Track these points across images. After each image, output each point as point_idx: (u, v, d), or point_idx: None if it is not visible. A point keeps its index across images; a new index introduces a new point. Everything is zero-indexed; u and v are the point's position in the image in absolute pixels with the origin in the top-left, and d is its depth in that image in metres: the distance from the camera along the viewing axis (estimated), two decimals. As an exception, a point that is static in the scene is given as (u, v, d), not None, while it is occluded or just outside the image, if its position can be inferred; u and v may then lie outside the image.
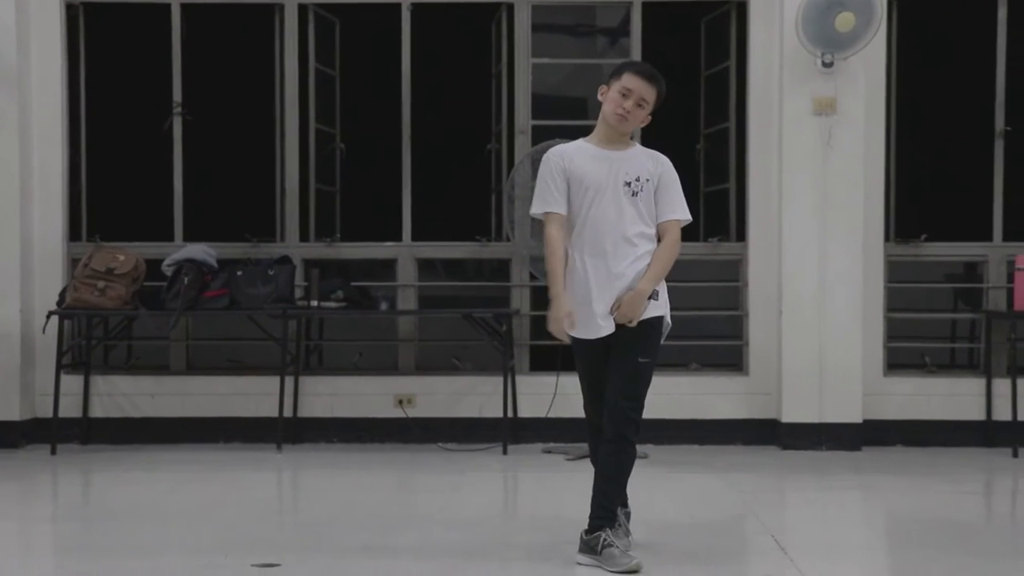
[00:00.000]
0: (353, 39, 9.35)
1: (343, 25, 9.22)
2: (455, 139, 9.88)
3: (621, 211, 4.96)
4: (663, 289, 5.06)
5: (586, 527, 5.03)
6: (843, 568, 5.18)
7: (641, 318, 4.94)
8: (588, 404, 5.19)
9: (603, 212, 4.96)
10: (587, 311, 4.96)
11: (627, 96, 4.95)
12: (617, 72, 5.04)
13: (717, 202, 8.96)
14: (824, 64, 7.95)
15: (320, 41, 8.95)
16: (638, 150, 5.10)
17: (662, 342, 5.10)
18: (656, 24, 8.68)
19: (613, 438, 4.97)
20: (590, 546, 4.96)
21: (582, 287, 4.97)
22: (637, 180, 4.98)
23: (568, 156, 5.04)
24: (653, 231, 5.03)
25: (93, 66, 8.81)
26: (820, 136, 8.07)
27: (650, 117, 5.07)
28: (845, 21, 7.81)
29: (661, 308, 5.04)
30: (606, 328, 4.96)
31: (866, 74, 8.11)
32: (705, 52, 9.19)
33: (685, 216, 5.11)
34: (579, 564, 4.96)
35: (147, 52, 8.89)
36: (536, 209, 5.06)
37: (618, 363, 4.97)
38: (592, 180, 4.98)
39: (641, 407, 4.99)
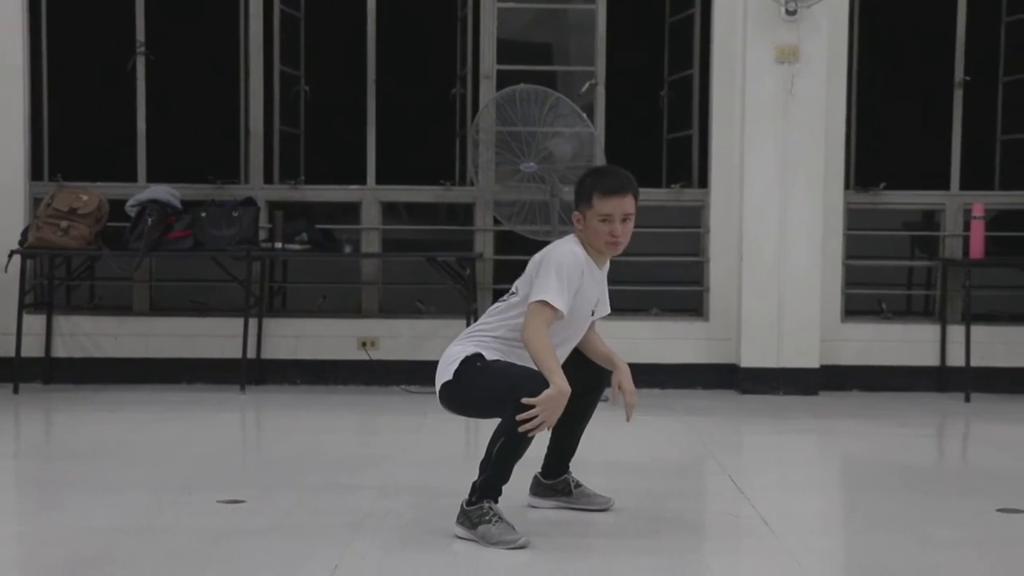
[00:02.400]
0: (319, -20, 9.30)
1: (309, -34, 9.16)
2: (420, 83, 9.87)
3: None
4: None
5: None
6: (797, 506, 5.27)
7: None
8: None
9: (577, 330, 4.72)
10: None
11: (609, 221, 4.56)
12: (585, 198, 4.61)
13: (680, 149, 9.00)
14: (787, 12, 7.98)
15: (285, -18, 8.88)
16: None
17: None
18: (620, 25, 8.66)
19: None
20: (557, 489, 5.00)
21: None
22: (598, 302, 4.78)
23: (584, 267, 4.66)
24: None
25: (55, 4, 8.72)
26: (783, 84, 8.10)
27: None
28: (809, -31, 7.83)
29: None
30: None
31: (829, 23, 8.13)
32: (669, 54, 9.20)
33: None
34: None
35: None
36: (545, 296, 4.48)
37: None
38: (586, 297, 4.67)
39: None
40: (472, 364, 4.59)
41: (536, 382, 4.34)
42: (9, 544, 4.63)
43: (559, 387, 4.30)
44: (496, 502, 4.49)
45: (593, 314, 4.75)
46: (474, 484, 4.51)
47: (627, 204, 4.59)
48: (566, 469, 5.01)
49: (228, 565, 4.22)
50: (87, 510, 4.95)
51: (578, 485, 4.99)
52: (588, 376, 4.77)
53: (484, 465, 4.49)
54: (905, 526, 4.84)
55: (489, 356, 4.61)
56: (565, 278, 4.50)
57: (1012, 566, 4.35)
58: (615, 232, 4.57)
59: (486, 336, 4.71)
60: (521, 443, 4.42)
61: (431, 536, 4.53)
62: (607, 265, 4.82)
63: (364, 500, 5.16)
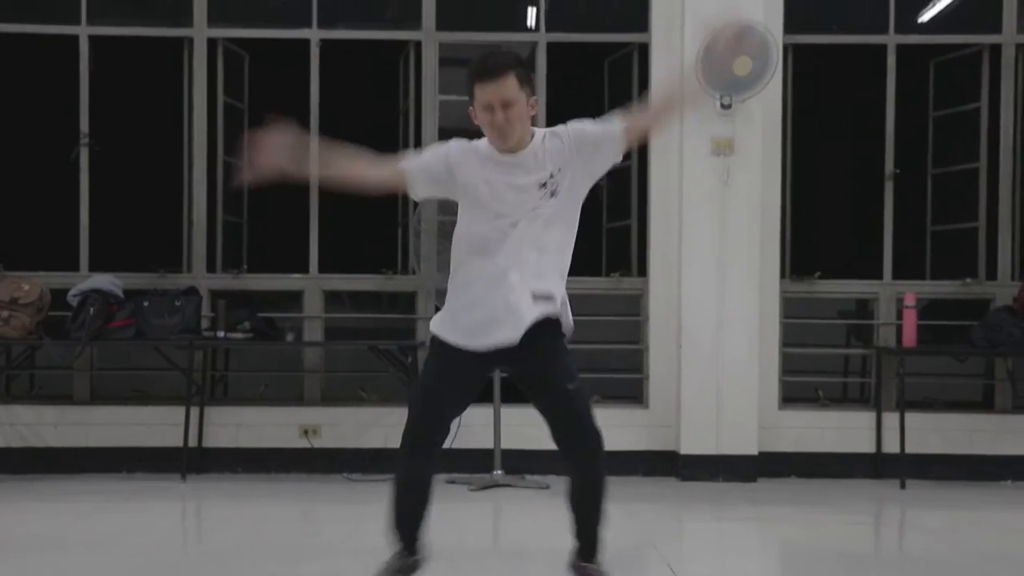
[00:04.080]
0: (262, 73, 9.38)
1: (252, 59, 9.25)
2: (363, 173, 9.94)
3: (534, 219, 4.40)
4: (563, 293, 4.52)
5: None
6: (737, 596, 5.31)
7: (536, 320, 4.38)
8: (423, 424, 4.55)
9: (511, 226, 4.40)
10: (479, 314, 4.41)
11: (492, 109, 4.29)
12: (468, 88, 4.36)
13: (619, 238, 9.12)
14: (722, 106, 8.16)
15: (229, 74, 8.97)
16: (537, 140, 4.43)
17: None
18: (561, 63, 8.84)
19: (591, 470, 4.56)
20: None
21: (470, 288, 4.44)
22: (551, 177, 4.40)
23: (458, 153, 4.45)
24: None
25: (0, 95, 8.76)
26: (718, 175, 8.26)
27: (535, 98, 4.43)
28: (743, 65, 8.02)
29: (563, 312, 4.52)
30: (506, 334, 4.37)
31: (763, 116, 8.31)
32: (608, 92, 9.35)
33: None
34: None
35: (55, 82, 8.85)
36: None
37: (546, 390, 4.52)
38: (489, 185, 4.40)
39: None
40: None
41: (418, 402, 4.53)
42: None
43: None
44: (404, 550, 4.69)
45: (546, 187, 4.37)
46: None
47: (505, 88, 4.25)
48: (587, 556, 4.63)
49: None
50: (25, 605, 4.90)
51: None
52: (573, 451, 4.51)
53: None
54: (841, 615, 4.90)
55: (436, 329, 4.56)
56: (424, 152, 4.56)
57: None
58: (496, 121, 4.28)
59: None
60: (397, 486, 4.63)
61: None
62: (533, 139, 4.40)
63: (305, 592, 5.14)
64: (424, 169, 4.49)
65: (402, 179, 4.48)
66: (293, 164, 4.35)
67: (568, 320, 4.52)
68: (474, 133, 4.53)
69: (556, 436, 4.52)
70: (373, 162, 4.45)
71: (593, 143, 4.45)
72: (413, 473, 4.61)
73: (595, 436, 4.49)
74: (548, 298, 4.42)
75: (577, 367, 4.55)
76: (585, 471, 4.54)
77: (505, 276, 4.36)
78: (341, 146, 4.43)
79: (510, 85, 4.25)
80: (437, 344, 4.54)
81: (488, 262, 4.38)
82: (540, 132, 4.46)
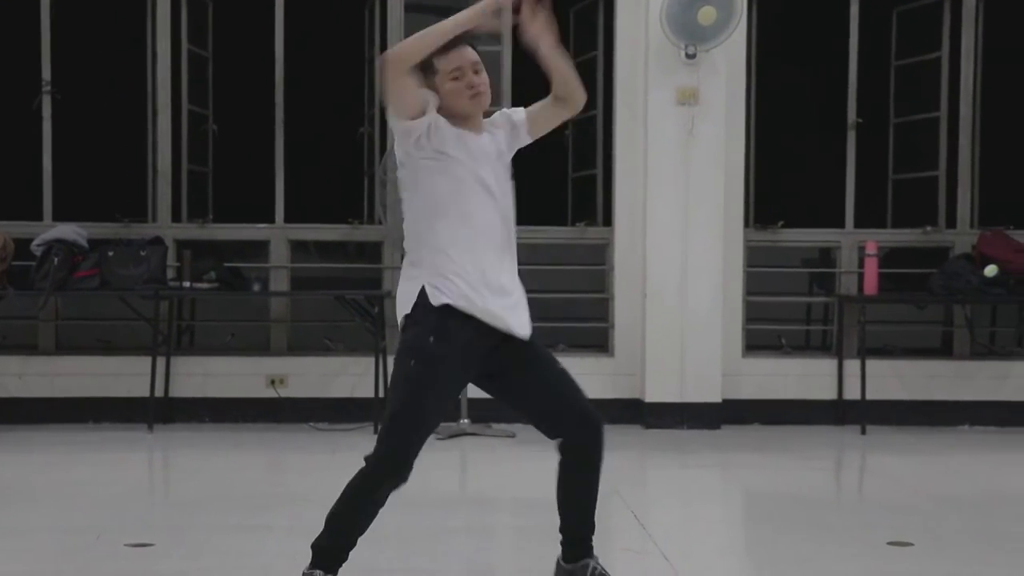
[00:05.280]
0: (227, 20, 9.30)
1: (216, 6, 9.16)
2: (328, 122, 9.90)
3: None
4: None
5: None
6: (699, 542, 5.39)
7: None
8: (410, 444, 3.98)
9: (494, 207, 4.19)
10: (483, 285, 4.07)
11: (462, 75, 4.05)
12: (427, 70, 4.03)
13: (584, 188, 9.12)
14: (687, 56, 8.14)
15: (193, 22, 8.88)
16: (486, 126, 4.22)
17: None
18: (525, 11, 8.78)
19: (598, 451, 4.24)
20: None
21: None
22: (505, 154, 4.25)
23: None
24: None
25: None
26: (683, 125, 8.26)
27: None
28: (707, 15, 8.00)
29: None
30: (507, 320, 4.08)
31: (727, 66, 8.31)
32: (574, 40, 9.31)
33: None
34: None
35: (16, 29, 8.74)
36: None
37: (547, 371, 4.20)
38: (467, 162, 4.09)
39: None
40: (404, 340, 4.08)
41: (409, 410, 3.91)
42: (-87, 592, 4.59)
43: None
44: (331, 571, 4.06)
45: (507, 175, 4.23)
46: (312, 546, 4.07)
47: (470, 53, 4.07)
48: (584, 552, 4.30)
49: (137, 611, 4.22)
50: (-7, 556, 4.90)
51: (599, 572, 4.27)
52: (580, 430, 4.21)
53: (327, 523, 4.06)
54: (802, 560, 4.97)
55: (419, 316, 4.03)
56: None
57: (902, 598, 4.49)
58: (471, 83, 4.03)
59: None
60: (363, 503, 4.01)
61: (340, 577, 4.56)
62: (498, 135, 4.22)
63: (274, 541, 5.17)
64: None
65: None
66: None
67: None
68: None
69: (553, 424, 4.20)
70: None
71: (524, 115, 4.30)
72: (386, 496, 4.02)
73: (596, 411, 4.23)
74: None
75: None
76: (595, 452, 4.21)
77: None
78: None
79: (472, 52, 4.10)
80: (453, 321, 4.00)
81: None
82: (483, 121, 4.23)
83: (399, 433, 3.95)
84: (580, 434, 4.18)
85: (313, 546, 4.07)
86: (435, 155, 4.04)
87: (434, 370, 3.96)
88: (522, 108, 4.33)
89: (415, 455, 3.97)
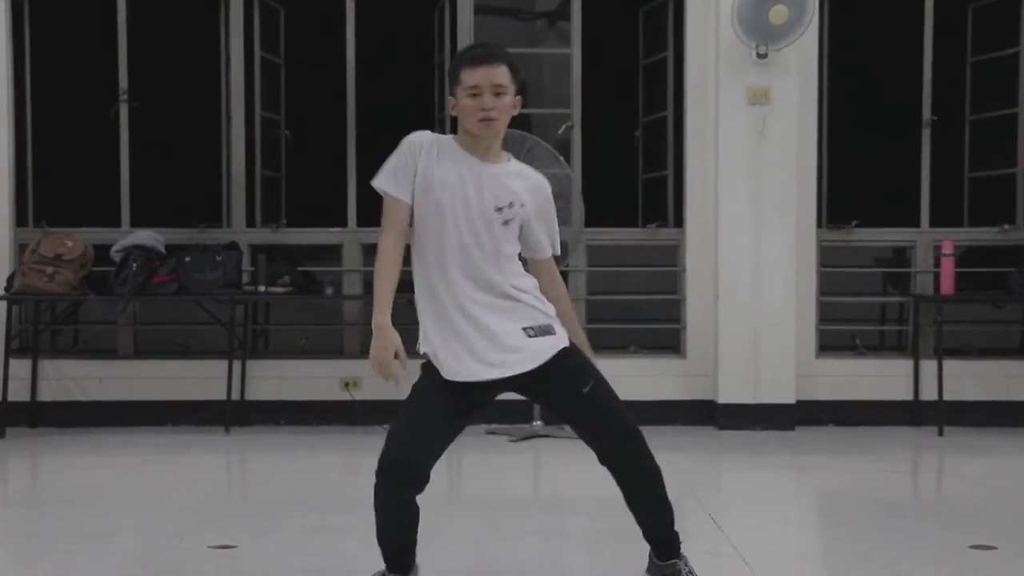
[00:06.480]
0: (298, 27, 9.40)
1: (288, 13, 9.27)
2: (398, 126, 9.93)
3: (492, 239, 4.02)
4: (555, 321, 4.12)
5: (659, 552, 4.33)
6: (777, 545, 5.36)
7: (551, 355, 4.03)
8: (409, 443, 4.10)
9: (472, 238, 4.01)
10: (458, 347, 4.05)
11: (479, 94, 3.94)
12: (453, 75, 4.03)
13: (655, 189, 9.12)
14: (758, 55, 8.13)
15: (265, 29, 9.00)
16: (512, 167, 4.12)
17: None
18: (595, 11, 8.82)
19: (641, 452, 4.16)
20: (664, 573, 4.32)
21: (449, 325, 4.08)
22: (510, 206, 4.03)
23: (431, 144, 4.05)
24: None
25: (39, 54, 8.82)
26: (755, 125, 8.24)
27: (519, 98, 4.06)
28: (779, 14, 7.98)
29: (563, 337, 4.10)
30: (492, 371, 4.01)
31: (799, 65, 8.29)
32: (643, 42, 9.34)
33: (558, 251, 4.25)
34: None
35: (93, 40, 8.89)
36: (375, 181, 4.13)
37: (575, 398, 4.08)
38: (455, 190, 3.99)
39: None
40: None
41: (392, 441, 4.02)
42: (4, 594, 4.68)
43: (377, 324, 3.98)
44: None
45: (502, 213, 4.00)
46: None
47: (497, 74, 3.95)
48: (671, 553, 4.31)
49: (222, 612, 4.29)
50: (78, 559, 4.97)
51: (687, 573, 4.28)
52: (620, 445, 4.14)
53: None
54: (882, 564, 4.94)
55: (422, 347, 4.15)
56: (393, 157, 4.07)
57: (985, 602, 4.46)
58: (484, 105, 3.93)
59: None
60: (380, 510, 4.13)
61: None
62: (509, 167, 4.10)
63: (353, 544, 5.21)
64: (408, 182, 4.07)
65: (395, 214, 4.06)
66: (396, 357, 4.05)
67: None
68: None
69: (592, 442, 4.17)
70: (389, 244, 4.09)
71: (541, 224, 4.16)
72: (396, 497, 4.23)
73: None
74: None
75: None
76: (637, 463, 4.17)
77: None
78: (385, 267, 4.10)
79: (502, 72, 3.96)
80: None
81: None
82: (512, 159, 4.16)
83: (389, 436, 4.12)
84: (619, 450, 4.14)
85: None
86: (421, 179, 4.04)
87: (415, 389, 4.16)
88: (545, 200, 4.16)
89: (413, 460, 4.08)
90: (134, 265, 8.14)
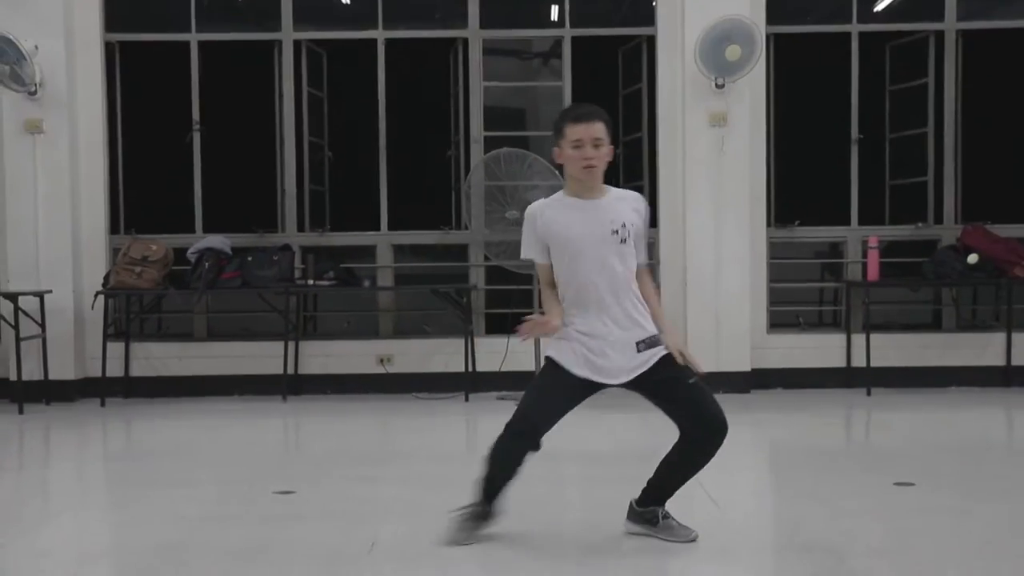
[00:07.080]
0: (338, 67, 9.44)
1: (329, 56, 9.31)
2: (422, 147, 9.99)
3: (612, 261, 4.05)
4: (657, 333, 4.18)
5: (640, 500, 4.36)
6: (738, 487, 5.41)
7: (656, 360, 4.14)
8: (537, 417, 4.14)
9: (593, 265, 4.04)
10: (591, 356, 4.10)
11: (581, 146, 4.00)
12: (558, 130, 4.09)
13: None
14: (717, 86, 8.15)
15: (311, 69, 9.04)
16: (613, 194, 4.16)
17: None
18: (582, 52, 8.85)
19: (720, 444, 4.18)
20: (646, 518, 4.33)
21: (591, 334, 4.09)
22: (623, 226, 4.07)
23: (541, 211, 4.14)
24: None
25: (128, 91, 8.86)
26: (715, 143, 8.27)
27: (612, 147, 4.11)
28: (733, 52, 8.01)
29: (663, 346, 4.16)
30: (622, 376, 4.11)
31: (751, 93, 8.31)
32: (622, 75, 9.36)
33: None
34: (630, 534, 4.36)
35: (171, 79, 8.91)
36: (524, 255, 4.22)
37: (681, 388, 4.15)
38: (575, 232, 4.05)
39: None
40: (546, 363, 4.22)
41: (524, 420, 4.10)
42: (110, 531, 4.75)
43: (547, 312, 4.14)
44: (486, 505, 4.23)
45: (618, 234, 4.04)
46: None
47: (596, 129, 4.02)
48: (659, 504, 4.32)
49: (289, 546, 4.31)
50: (169, 502, 5.04)
51: (666, 516, 4.30)
52: (699, 424, 4.17)
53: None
54: (822, 500, 4.99)
55: (553, 353, 4.16)
56: (523, 232, 4.19)
57: (904, 530, 4.50)
58: (587, 155, 4.00)
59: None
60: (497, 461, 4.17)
61: (445, 517, 4.56)
62: (611, 195, 4.12)
63: (390, 488, 5.28)
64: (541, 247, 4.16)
65: (541, 272, 4.21)
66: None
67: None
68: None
69: (687, 430, 4.22)
70: (546, 289, 4.23)
71: (640, 236, 4.17)
72: (517, 454, 4.24)
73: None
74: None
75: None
76: (714, 449, 4.19)
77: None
78: (543, 293, 4.24)
79: (600, 128, 4.04)
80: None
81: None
82: (611, 189, 4.18)
83: (526, 407, 4.16)
84: (711, 440, 4.18)
85: (477, 480, 4.24)
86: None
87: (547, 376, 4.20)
88: (643, 214, 4.19)
89: (542, 428, 4.11)
90: (207, 264, 8.19)
